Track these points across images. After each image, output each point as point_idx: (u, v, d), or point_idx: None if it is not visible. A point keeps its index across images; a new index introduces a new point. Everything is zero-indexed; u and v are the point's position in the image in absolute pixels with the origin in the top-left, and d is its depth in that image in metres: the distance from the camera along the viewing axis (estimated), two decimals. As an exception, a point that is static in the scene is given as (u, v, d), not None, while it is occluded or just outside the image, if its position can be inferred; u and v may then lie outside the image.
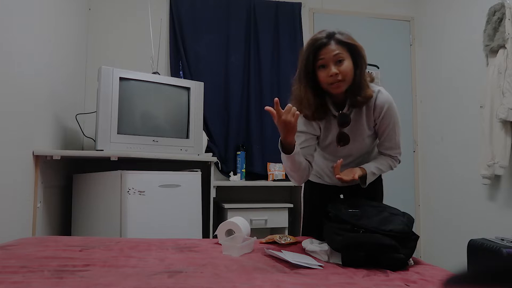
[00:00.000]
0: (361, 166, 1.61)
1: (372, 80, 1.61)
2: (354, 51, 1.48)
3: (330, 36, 1.46)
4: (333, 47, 1.45)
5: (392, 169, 1.69)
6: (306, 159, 1.59)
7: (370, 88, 1.54)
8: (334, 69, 1.44)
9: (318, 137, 1.65)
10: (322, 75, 1.47)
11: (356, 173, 1.55)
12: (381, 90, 1.58)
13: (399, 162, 1.70)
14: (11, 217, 1.86)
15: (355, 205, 1.53)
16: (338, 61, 1.45)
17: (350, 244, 1.34)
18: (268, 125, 3.37)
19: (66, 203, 2.58)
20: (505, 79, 2.58)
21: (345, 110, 1.56)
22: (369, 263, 1.31)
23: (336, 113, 1.57)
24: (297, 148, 1.49)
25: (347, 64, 1.46)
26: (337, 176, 1.49)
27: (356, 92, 1.50)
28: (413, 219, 1.49)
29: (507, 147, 2.57)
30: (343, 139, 1.59)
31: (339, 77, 1.45)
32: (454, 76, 3.26)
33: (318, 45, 1.45)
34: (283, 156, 1.50)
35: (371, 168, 1.61)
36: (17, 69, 1.89)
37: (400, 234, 1.34)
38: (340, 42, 1.46)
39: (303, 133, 1.60)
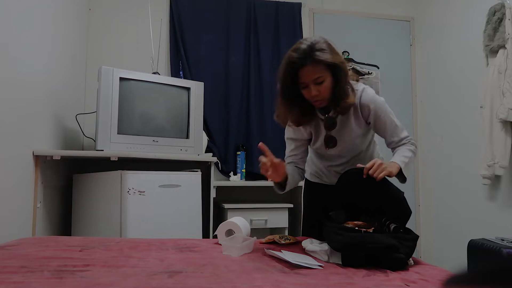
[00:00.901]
0: (390, 161, 1.53)
1: (357, 80, 1.62)
2: (334, 68, 1.46)
3: (307, 55, 1.42)
4: (311, 69, 1.42)
5: (415, 154, 1.61)
6: (296, 166, 1.68)
7: (352, 94, 1.53)
8: (314, 91, 1.45)
9: (310, 139, 1.68)
10: (303, 92, 1.49)
11: (390, 168, 1.44)
12: (366, 89, 1.59)
13: (415, 146, 1.62)
14: (11, 217, 1.86)
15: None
16: (318, 83, 1.45)
17: (350, 244, 1.34)
18: (268, 125, 3.37)
19: (66, 203, 2.58)
20: (505, 79, 2.58)
21: (331, 114, 1.58)
22: (369, 263, 1.31)
23: (322, 117, 1.59)
24: (289, 180, 1.58)
25: (327, 83, 1.46)
26: (369, 173, 1.42)
27: (338, 102, 1.51)
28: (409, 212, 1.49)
29: (507, 147, 2.57)
30: (330, 142, 1.61)
31: (320, 97, 1.47)
32: (454, 76, 3.26)
33: (296, 68, 1.43)
34: (277, 191, 1.63)
35: (399, 159, 1.52)
36: (17, 69, 1.89)
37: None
38: (317, 62, 1.42)
39: (293, 140, 1.68)
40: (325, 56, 1.42)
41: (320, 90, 1.46)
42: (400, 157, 1.54)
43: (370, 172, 1.41)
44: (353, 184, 1.49)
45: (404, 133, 1.63)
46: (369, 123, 1.61)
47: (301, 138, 1.67)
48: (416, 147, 1.62)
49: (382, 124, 1.59)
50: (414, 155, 1.59)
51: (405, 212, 1.44)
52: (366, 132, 1.65)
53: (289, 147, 1.71)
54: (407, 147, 1.60)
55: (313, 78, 1.44)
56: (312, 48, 1.43)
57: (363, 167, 1.44)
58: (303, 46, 1.44)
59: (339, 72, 1.47)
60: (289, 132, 1.68)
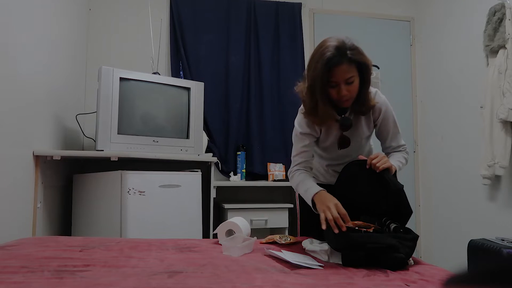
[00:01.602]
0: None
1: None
2: (363, 68, 1.47)
3: (343, 54, 1.41)
4: (345, 68, 1.42)
5: (407, 162, 1.69)
6: (307, 167, 1.67)
7: (373, 98, 1.57)
8: (344, 91, 1.45)
9: (318, 138, 1.69)
10: (332, 91, 1.47)
11: (390, 163, 1.47)
12: (378, 92, 1.63)
13: (408, 155, 1.72)
14: (11, 217, 1.86)
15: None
16: (349, 83, 1.45)
17: (350, 244, 1.34)
18: (268, 125, 3.38)
19: (66, 203, 2.58)
20: (505, 79, 2.58)
21: (347, 115, 1.59)
22: (369, 263, 1.31)
23: (338, 117, 1.59)
24: (317, 186, 1.53)
25: (356, 83, 1.47)
26: (373, 162, 1.44)
27: (361, 104, 1.54)
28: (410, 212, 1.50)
29: (507, 148, 2.57)
30: (344, 142, 1.62)
31: (348, 97, 1.48)
32: (454, 76, 3.26)
33: (331, 65, 1.41)
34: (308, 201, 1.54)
35: (395, 163, 1.57)
36: (17, 69, 1.89)
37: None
38: (351, 61, 1.42)
39: (308, 135, 1.63)
40: (358, 56, 1.43)
41: (349, 90, 1.46)
42: (396, 161, 1.60)
43: (374, 161, 1.45)
44: (355, 175, 1.53)
45: (402, 141, 1.71)
46: (376, 125, 1.65)
47: (314, 135, 1.64)
48: (408, 155, 1.71)
49: (387, 127, 1.65)
50: (406, 163, 1.68)
51: (405, 206, 1.45)
52: (371, 133, 1.69)
53: (301, 142, 1.63)
54: (402, 154, 1.68)
55: (346, 77, 1.43)
56: (345, 47, 1.42)
57: (365, 159, 1.50)
58: (337, 44, 1.42)
59: (367, 75, 1.48)
60: (304, 127, 1.62)
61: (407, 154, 1.70)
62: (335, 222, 1.35)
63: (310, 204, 1.52)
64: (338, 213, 1.37)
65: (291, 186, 3.33)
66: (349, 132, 1.62)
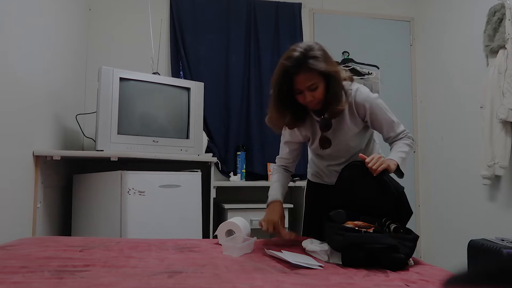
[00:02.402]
0: (388, 158, 1.56)
1: (351, 80, 1.63)
2: (326, 76, 1.47)
3: (301, 63, 1.43)
4: (304, 77, 1.45)
5: (412, 147, 1.64)
6: (287, 170, 1.81)
7: (345, 99, 1.54)
8: (309, 97, 1.49)
9: (307, 141, 1.74)
10: (299, 97, 1.52)
11: (387, 163, 1.48)
12: (359, 88, 1.60)
13: (412, 139, 1.66)
14: (11, 217, 1.86)
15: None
16: (312, 89, 1.47)
17: (350, 244, 1.34)
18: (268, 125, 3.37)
19: (66, 203, 2.58)
20: (505, 79, 2.58)
21: (326, 115, 1.60)
22: (369, 263, 1.31)
23: (318, 119, 1.61)
24: (278, 195, 1.72)
25: (321, 89, 1.48)
26: (368, 166, 1.45)
27: (331, 106, 1.53)
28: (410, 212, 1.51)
29: (507, 148, 2.57)
30: (325, 143, 1.64)
31: (314, 102, 1.51)
32: (454, 76, 3.26)
33: (290, 75, 1.46)
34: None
35: (397, 156, 1.56)
36: (17, 69, 1.89)
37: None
38: (311, 70, 1.44)
39: (288, 143, 1.75)
40: (319, 65, 1.44)
41: (314, 96, 1.49)
42: (397, 153, 1.57)
43: (369, 165, 1.44)
44: (354, 176, 1.52)
45: (401, 128, 1.65)
46: (366, 121, 1.63)
47: (296, 141, 1.74)
48: (413, 140, 1.66)
49: (378, 121, 1.62)
50: (411, 149, 1.63)
51: (405, 208, 1.45)
52: (362, 130, 1.67)
53: (283, 150, 1.80)
54: (403, 141, 1.64)
55: (307, 85, 1.46)
56: (305, 55, 1.44)
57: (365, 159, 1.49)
58: (296, 53, 1.45)
59: (332, 80, 1.48)
60: (285, 135, 1.75)
61: (409, 139, 1.64)
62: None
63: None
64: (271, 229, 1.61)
65: (291, 186, 3.34)
66: (332, 132, 1.62)
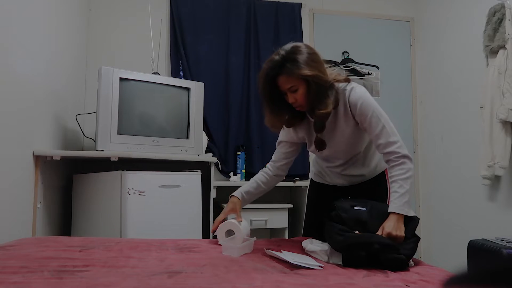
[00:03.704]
0: (390, 211, 1.45)
1: (346, 80, 1.58)
2: (306, 79, 1.46)
3: (279, 67, 1.47)
4: (284, 79, 1.48)
5: (411, 174, 1.50)
6: (265, 174, 1.80)
7: (330, 103, 1.50)
8: (291, 98, 1.51)
9: (303, 144, 1.73)
10: (285, 97, 1.54)
11: (398, 229, 1.40)
12: (354, 88, 1.56)
13: (408, 158, 1.50)
14: (11, 217, 1.86)
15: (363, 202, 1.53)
16: (293, 91, 1.49)
17: (351, 244, 1.34)
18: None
19: (66, 203, 2.58)
20: (505, 79, 2.58)
21: (314, 117, 1.58)
22: (369, 263, 1.31)
23: (312, 120, 1.60)
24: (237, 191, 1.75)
25: (301, 91, 1.49)
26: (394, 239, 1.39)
27: (314, 110, 1.52)
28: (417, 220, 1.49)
29: (507, 148, 2.57)
30: (320, 144, 1.62)
31: (297, 104, 1.52)
32: (454, 76, 3.26)
33: (271, 78, 1.49)
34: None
35: (399, 203, 1.44)
36: (17, 69, 1.89)
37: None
38: (290, 73, 1.45)
39: (283, 143, 1.76)
40: (294, 70, 1.45)
41: (296, 98, 1.50)
42: (398, 200, 1.45)
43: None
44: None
45: (393, 138, 1.51)
46: (357, 122, 1.57)
47: (291, 142, 1.74)
48: (410, 160, 1.51)
49: (367, 123, 1.52)
50: (411, 177, 1.49)
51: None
52: (358, 132, 1.61)
53: (276, 152, 1.82)
54: (400, 173, 1.48)
55: (287, 87, 1.49)
56: (285, 58, 1.46)
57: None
58: (277, 57, 1.48)
59: (312, 83, 1.47)
60: (281, 135, 1.77)
61: (406, 165, 1.48)
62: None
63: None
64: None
65: (291, 186, 3.36)
66: (328, 133, 1.61)
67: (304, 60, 1.46)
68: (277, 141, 1.80)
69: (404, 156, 1.50)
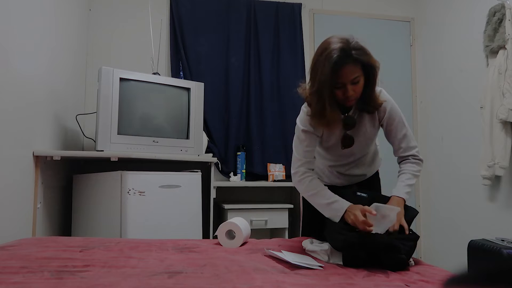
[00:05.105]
0: (393, 194, 1.53)
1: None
2: (368, 68, 1.45)
3: (348, 55, 1.39)
4: (351, 68, 1.40)
5: (419, 174, 1.64)
6: (311, 166, 1.61)
7: (379, 97, 1.55)
8: (350, 91, 1.43)
9: (321, 138, 1.65)
10: (338, 92, 1.45)
11: (398, 217, 1.43)
12: (383, 91, 1.60)
13: (422, 163, 1.67)
14: (11, 217, 1.86)
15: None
16: (354, 83, 1.43)
17: (352, 243, 1.34)
18: (268, 125, 3.37)
19: (66, 204, 2.58)
20: (505, 79, 2.58)
21: (351, 113, 1.58)
22: (369, 263, 1.31)
23: (342, 116, 1.57)
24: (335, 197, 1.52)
25: (361, 82, 1.45)
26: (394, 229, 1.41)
27: (367, 103, 1.53)
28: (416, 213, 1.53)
29: (507, 148, 2.57)
30: (348, 141, 1.59)
31: (354, 97, 1.46)
32: (454, 76, 3.26)
33: (337, 67, 1.39)
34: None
35: (403, 191, 1.54)
36: (17, 69, 1.89)
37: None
38: (356, 61, 1.40)
39: (311, 134, 1.58)
40: (363, 57, 1.42)
41: (355, 90, 1.45)
42: (403, 188, 1.56)
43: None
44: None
45: (413, 143, 1.65)
46: (382, 124, 1.62)
47: (317, 134, 1.60)
48: (422, 161, 1.66)
49: (394, 127, 1.60)
50: (417, 179, 1.63)
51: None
52: (376, 132, 1.65)
53: (304, 141, 1.58)
54: (412, 168, 1.62)
55: (351, 77, 1.42)
56: (350, 47, 1.40)
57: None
58: (341, 45, 1.39)
59: (372, 73, 1.46)
60: (307, 125, 1.58)
61: (418, 166, 1.64)
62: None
63: (334, 216, 1.48)
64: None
65: (291, 187, 3.35)
66: (352, 131, 1.59)
67: (365, 48, 1.43)
68: (304, 147, 1.59)
69: (421, 160, 1.67)
